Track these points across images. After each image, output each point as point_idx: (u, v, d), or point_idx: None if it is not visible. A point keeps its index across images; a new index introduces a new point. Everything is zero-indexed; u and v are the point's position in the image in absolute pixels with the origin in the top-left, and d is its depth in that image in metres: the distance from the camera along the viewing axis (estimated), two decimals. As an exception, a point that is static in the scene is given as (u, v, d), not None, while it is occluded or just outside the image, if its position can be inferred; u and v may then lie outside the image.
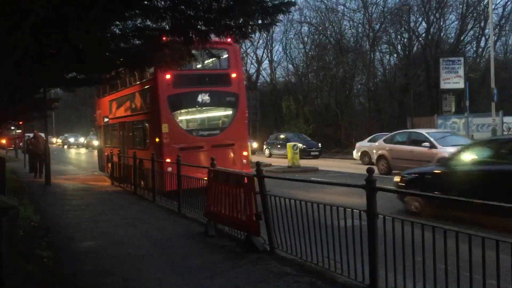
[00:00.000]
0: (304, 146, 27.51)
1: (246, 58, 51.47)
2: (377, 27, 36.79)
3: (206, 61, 13.78)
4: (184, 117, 13.94)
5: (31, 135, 23.90)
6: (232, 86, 13.66)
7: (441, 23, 35.98)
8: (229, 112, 13.92)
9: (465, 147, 9.94)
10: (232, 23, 7.42)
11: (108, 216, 9.90)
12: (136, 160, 13.22)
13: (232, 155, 13.29)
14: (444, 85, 28.74)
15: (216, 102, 13.58)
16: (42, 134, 19.42)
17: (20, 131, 35.60)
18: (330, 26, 39.75)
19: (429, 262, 4.17)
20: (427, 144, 15.62)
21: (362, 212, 4.87)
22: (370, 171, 4.81)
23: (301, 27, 42.91)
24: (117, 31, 9.37)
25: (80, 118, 74.64)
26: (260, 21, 7.53)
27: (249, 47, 49.27)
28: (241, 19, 7.31)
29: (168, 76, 12.52)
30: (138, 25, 9.17)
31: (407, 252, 4.39)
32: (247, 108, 14.43)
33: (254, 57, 51.40)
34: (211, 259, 6.44)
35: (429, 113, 30.99)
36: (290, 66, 45.27)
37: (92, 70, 11.26)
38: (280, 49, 70.82)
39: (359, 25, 38.56)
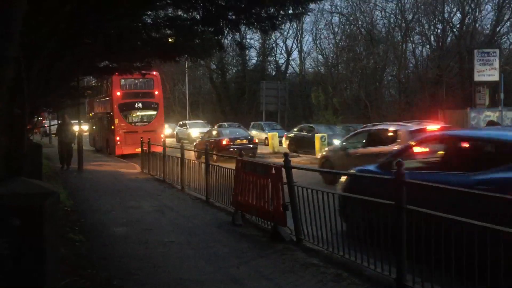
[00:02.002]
0: None
1: (275, 48, 51.45)
2: (410, 17, 36.01)
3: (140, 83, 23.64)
4: (127, 115, 23.01)
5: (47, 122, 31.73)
6: (155, 99, 23.45)
7: (477, 14, 34.97)
8: (153, 112, 23.48)
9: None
10: (263, 13, 7.42)
11: (137, 203, 10.11)
12: (165, 149, 13.85)
13: (154, 136, 21.03)
14: (478, 78, 27.97)
15: (146, 107, 23.12)
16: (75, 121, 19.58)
17: (41, 118, 37.41)
18: (362, 16, 39.19)
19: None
20: None
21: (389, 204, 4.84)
22: (399, 164, 4.76)
23: (331, 17, 42.47)
24: (149, 20, 9.48)
25: (111, 106, 75.84)
26: (290, 11, 7.50)
27: (278, 37, 49.18)
28: (272, 9, 7.30)
29: (118, 93, 22.29)
30: (170, 15, 9.26)
31: (435, 245, 4.34)
32: (163, 111, 24.31)
33: (284, 48, 51.29)
34: (238, 247, 6.52)
35: (461, 106, 30.25)
36: (320, 56, 44.95)
37: (123, 59, 11.45)
38: (310, 39, 70.38)
39: (391, 15, 37.85)
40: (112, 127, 22.61)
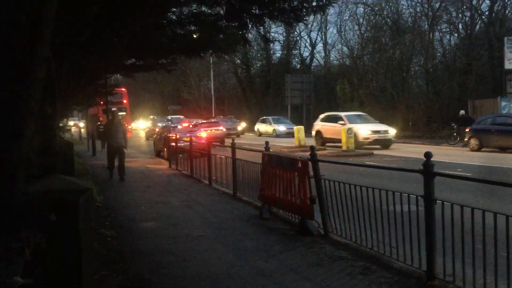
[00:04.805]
0: None
1: (300, 41, 51.19)
2: (437, 5, 35.30)
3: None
4: (107, 115, 32.32)
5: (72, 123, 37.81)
6: (123, 105, 35.43)
7: (506, 0, 34.02)
8: (123, 113, 32.64)
9: None
10: (287, 6, 7.40)
11: (166, 198, 10.25)
12: (192, 145, 14.07)
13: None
14: (508, 65, 27.27)
15: (118, 110, 29.00)
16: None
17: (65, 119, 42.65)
18: (387, 6, 38.65)
19: (490, 249, 4.05)
20: None
21: (419, 197, 4.78)
22: (428, 155, 4.70)
23: (356, 8, 42.00)
24: (174, 17, 9.57)
25: (138, 103, 76.77)
26: (314, 3, 7.46)
27: (303, 30, 48.92)
28: (296, 2, 7.27)
29: (101, 102, 27.29)
30: (194, 10, 9.32)
31: (466, 238, 4.28)
32: (129, 112, 37.25)
33: (308, 40, 51.02)
34: (266, 241, 6.54)
35: (491, 95, 29.57)
36: (345, 48, 44.55)
37: (149, 56, 11.60)
38: (335, 31, 69.63)
39: (418, 4, 37.19)
40: (98, 122, 32.25)
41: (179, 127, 24.11)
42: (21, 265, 2.25)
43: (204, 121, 31.15)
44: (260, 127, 38.04)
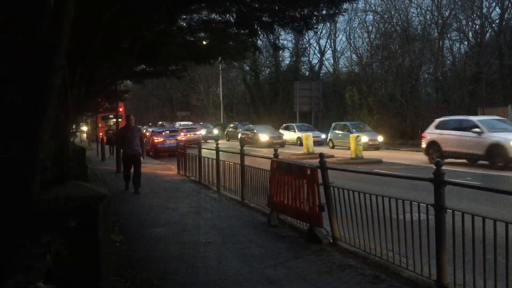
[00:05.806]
0: None
1: (309, 48, 51.29)
2: (447, 13, 35.22)
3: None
4: (105, 121, 37.22)
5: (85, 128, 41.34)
6: (119, 112, 32.15)
7: (517, 8, 33.84)
8: (119, 120, 32.93)
9: None
10: (297, 14, 7.43)
11: (174, 204, 10.27)
12: (200, 151, 14.11)
13: None
14: (519, 74, 27.07)
15: (114, 117, 29.62)
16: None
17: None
18: (396, 14, 38.57)
19: (501, 259, 4.02)
20: None
21: (429, 206, 4.76)
22: (438, 164, 4.69)
23: (365, 16, 42.08)
24: (184, 24, 9.64)
25: (147, 109, 77.29)
26: (324, 11, 7.48)
27: (312, 37, 49.04)
28: (306, 10, 7.30)
29: (100, 110, 30.91)
30: (204, 18, 9.39)
31: (477, 248, 4.25)
32: (124, 119, 32.81)
33: (317, 47, 51.11)
34: (274, 248, 6.54)
35: (502, 103, 29.37)
36: (354, 56, 44.52)
37: (160, 63, 11.68)
38: (344, 38, 69.89)
39: (427, 12, 37.11)
40: (98, 127, 36.63)
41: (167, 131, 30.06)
42: (43, 270, 2.27)
43: (184, 127, 37.64)
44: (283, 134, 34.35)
